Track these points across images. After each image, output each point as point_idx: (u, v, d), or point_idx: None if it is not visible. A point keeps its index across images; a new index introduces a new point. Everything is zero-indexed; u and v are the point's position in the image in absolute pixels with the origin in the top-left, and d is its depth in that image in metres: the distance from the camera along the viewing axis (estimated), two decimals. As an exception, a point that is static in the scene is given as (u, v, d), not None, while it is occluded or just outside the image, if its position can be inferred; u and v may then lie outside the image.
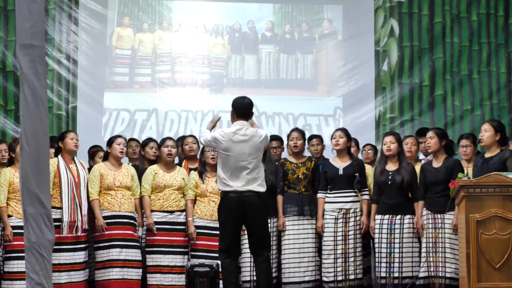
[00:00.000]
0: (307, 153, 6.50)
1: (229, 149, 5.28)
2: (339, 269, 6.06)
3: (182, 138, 6.95)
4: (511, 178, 5.08)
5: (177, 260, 6.16)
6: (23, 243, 3.42)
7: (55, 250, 5.30)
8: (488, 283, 5.01)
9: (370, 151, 7.02)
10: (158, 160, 6.57)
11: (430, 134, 6.10)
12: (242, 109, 5.40)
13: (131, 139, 7.02)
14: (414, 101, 8.72)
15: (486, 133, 5.68)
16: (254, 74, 8.77)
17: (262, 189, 5.33)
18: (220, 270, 5.53)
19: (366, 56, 8.76)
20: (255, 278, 5.97)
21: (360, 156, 7.02)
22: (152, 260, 6.15)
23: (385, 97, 8.70)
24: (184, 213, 6.27)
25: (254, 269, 5.81)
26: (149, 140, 6.80)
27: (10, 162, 6.06)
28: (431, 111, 8.69)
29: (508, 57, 8.79)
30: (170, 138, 6.51)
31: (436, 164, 6.02)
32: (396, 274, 5.94)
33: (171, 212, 6.24)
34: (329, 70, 8.80)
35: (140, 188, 6.27)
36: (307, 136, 6.65)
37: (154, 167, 6.34)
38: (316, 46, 8.84)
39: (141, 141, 6.95)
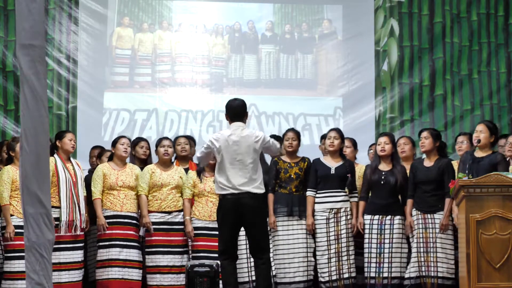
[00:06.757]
0: (300, 154, 6.47)
1: (224, 151, 5.25)
2: (333, 268, 6.07)
3: (175, 139, 6.86)
4: (511, 178, 5.09)
5: (176, 260, 6.15)
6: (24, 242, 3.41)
7: (54, 250, 5.29)
8: (488, 283, 5.01)
9: None
10: (149, 159, 6.54)
11: (424, 134, 6.14)
12: (233, 111, 5.38)
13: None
14: (414, 101, 8.71)
15: (482, 134, 5.72)
16: (254, 74, 8.76)
17: (260, 191, 5.29)
18: (220, 270, 5.53)
19: (366, 56, 8.75)
20: (253, 278, 5.99)
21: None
22: (151, 260, 6.14)
23: (385, 97, 8.70)
24: (182, 213, 6.25)
25: (252, 270, 5.81)
26: (140, 139, 6.75)
27: (9, 162, 6.02)
28: (431, 111, 8.68)
29: (508, 57, 8.79)
30: (166, 138, 6.49)
31: (428, 163, 6.05)
32: (385, 274, 5.97)
33: (169, 212, 6.22)
34: (329, 70, 8.80)
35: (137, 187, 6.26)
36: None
37: (151, 166, 6.32)
38: (316, 46, 8.84)
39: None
